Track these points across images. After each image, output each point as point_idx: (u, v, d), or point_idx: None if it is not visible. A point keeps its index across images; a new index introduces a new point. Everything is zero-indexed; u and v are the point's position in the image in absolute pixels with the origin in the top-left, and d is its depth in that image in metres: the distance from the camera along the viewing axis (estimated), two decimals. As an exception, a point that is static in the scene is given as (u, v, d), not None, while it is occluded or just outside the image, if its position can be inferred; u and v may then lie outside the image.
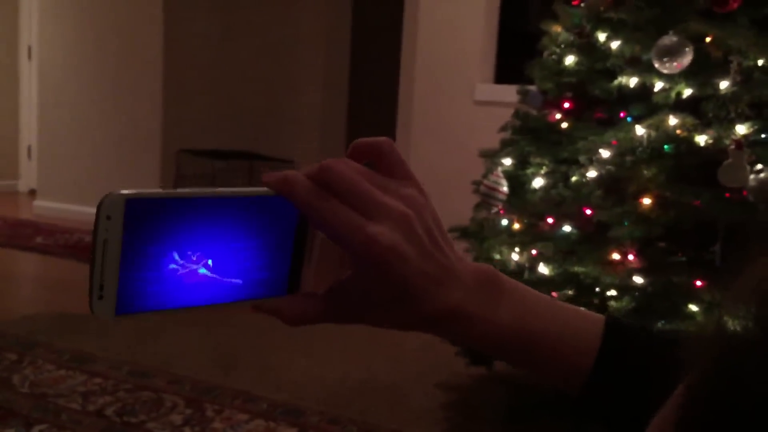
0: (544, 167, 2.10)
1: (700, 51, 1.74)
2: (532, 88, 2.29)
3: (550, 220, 2.04)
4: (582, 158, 1.98)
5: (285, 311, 0.46)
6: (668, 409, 0.29)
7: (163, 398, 2.23)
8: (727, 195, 1.62)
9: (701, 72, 1.76)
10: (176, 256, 0.42)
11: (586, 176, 1.94)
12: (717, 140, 1.64)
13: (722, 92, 1.69)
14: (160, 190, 0.41)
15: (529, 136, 2.13)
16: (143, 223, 0.40)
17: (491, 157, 2.23)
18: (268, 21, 5.00)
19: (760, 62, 1.63)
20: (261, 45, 5.01)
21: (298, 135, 5.10)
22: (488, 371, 2.43)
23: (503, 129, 2.22)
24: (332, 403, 2.28)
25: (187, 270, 0.43)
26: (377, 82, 5.02)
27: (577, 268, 1.87)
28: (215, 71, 4.91)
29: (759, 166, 1.57)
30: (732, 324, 0.25)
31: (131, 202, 0.40)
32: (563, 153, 2.04)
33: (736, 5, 1.64)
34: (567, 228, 1.99)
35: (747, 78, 1.66)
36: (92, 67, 4.99)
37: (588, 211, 1.95)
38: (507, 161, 2.19)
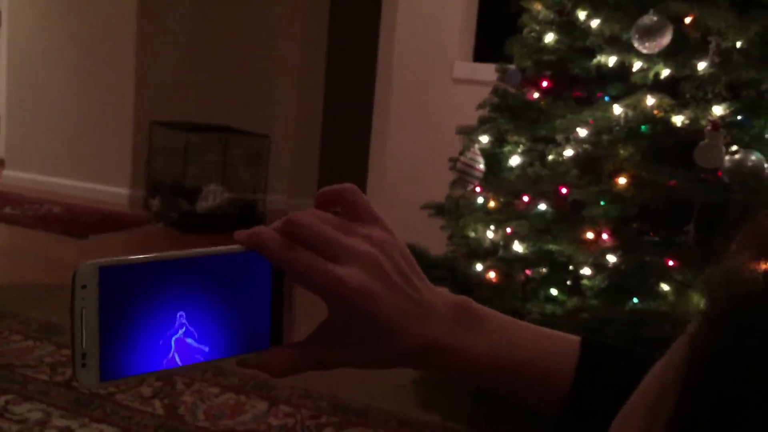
0: (521, 145, 2.10)
1: (679, 31, 1.74)
2: (511, 66, 2.27)
3: (525, 199, 2.04)
4: (559, 137, 1.98)
5: (271, 365, 0.47)
6: (670, 356, 0.29)
7: (133, 370, 2.21)
8: (703, 176, 1.63)
9: (679, 52, 1.76)
10: (155, 320, 0.43)
11: (563, 155, 1.93)
12: (694, 121, 1.65)
13: (700, 73, 1.69)
14: (132, 257, 0.42)
15: (507, 113, 2.12)
16: (119, 290, 0.41)
17: (468, 134, 2.23)
18: (245, -7, 4.93)
19: (739, 44, 1.64)
20: (238, 17, 4.93)
21: (274, 110, 5.04)
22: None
23: (481, 106, 2.21)
24: (303, 377, 2.27)
25: (168, 333, 0.43)
26: (355, 58, 4.98)
27: (551, 246, 1.88)
28: (190, 43, 4.83)
29: (734, 148, 1.57)
30: (738, 276, 0.25)
31: (105, 269, 0.41)
32: (540, 131, 2.04)
33: (716, -14, 1.64)
34: (542, 206, 1.99)
35: (725, 59, 1.66)
36: (63, 36, 4.88)
37: (564, 190, 1.95)
38: (484, 139, 2.18)
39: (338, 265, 0.44)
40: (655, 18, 1.72)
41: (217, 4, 4.89)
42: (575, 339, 0.51)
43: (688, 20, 1.74)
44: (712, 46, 1.66)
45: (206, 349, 0.45)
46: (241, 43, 4.97)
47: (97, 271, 0.41)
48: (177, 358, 0.44)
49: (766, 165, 1.54)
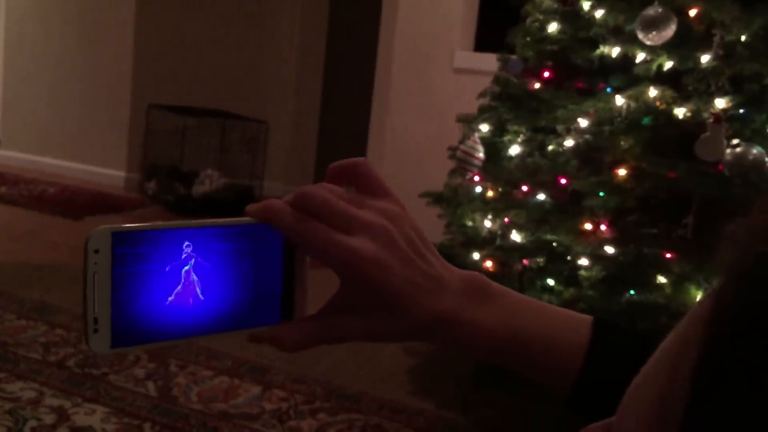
0: (521, 135, 2.09)
1: (683, 24, 1.74)
2: (513, 57, 2.27)
3: (524, 188, 2.04)
4: (559, 127, 1.98)
5: (282, 339, 0.47)
6: (691, 314, 0.29)
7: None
8: (703, 169, 1.62)
9: (683, 45, 1.75)
10: (166, 288, 0.43)
11: (563, 145, 1.93)
12: (695, 113, 1.64)
13: (703, 66, 1.69)
14: (145, 224, 0.42)
15: (508, 103, 2.11)
16: (131, 256, 0.41)
17: (469, 122, 2.22)
18: (246, -23, 4.89)
19: (743, 37, 1.63)
20: (238, 3, 4.91)
21: (272, 96, 5.02)
22: (455, 337, 2.44)
23: (482, 95, 2.20)
24: (298, 362, 2.28)
25: (179, 302, 0.43)
26: (355, 45, 4.96)
27: (549, 236, 1.87)
28: (189, 26, 4.80)
29: (736, 141, 1.57)
30: (763, 231, 0.25)
31: (117, 235, 0.41)
32: (541, 121, 2.03)
33: (722, -21, 1.64)
34: (541, 196, 1.99)
35: (729, 53, 1.66)
36: (60, 16, 4.85)
37: (563, 181, 1.95)
38: (484, 127, 2.17)
39: (350, 236, 0.44)
40: (659, 10, 1.71)
41: (217, -12, 4.86)
42: (587, 318, 0.51)
43: (692, 13, 1.73)
44: (716, 39, 1.66)
45: (218, 321, 0.45)
46: (240, 28, 4.94)
47: (109, 236, 0.41)
48: (188, 329, 0.44)
49: (767, 159, 1.54)
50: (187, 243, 0.43)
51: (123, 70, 4.65)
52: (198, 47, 4.84)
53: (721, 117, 1.59)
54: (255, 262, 0.46)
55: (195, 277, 0.44)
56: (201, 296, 0.44)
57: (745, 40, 1.62)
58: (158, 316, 0.43)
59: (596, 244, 1.78)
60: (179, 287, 0.43)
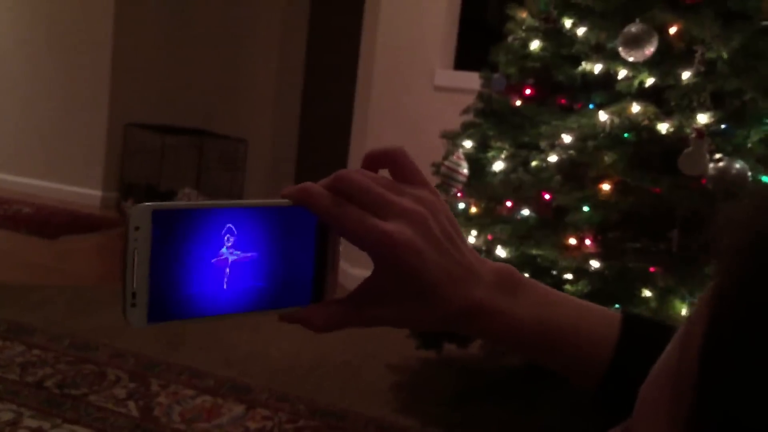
0: (505, 151, 2.10)
1: (663, 41, 1.76)
2: (496, 74, 2.28)
3: (508, 204, 2.05)
4: (543, 143, 1.99)
5: (313, 320, 0.47)
6: (698, 301, 0.29)
7: (106, 372, 2.16)
8: (687, 184, 1.64)
9: (664, 62, 1.77)
10: (203, 266, 0.44)
11: (547, 161, 1.94)
12: (678, 129, 1.66)
13: (684, 82, 1.71)
14: (184, 202, 0.45)
15: (492, 119, 2.12)
16: (170, 233, 0.43)
17: (452, 139, 2.23)
18: (224, -3, 4.90)
19: (723, 54, 1.66)
20: (216, 21, 4.91)
21: (251, 114, 5.01)
22: (438, 354, 2.43)
23: (466, 111, 2.21)
24: (281, 380, 2.25)
25: (214, 279, 0.45)
26: (335, 63, 4.97)
27: (534, 252, 1.88)
28: (167, 45, 4.79)
29: (718, 156, 1.59)
30: (763, 210, 0.27)
31: (158, 213, 0.42)
32: (524, 137, 2.05)
33: (702, -3, 1.67)
34: (525, 212, 1.99)
35: (710, 69, 1.68)
36: (37, 35, 4.80)
37: (547, 196, 1.96)
38: (468, 144, 2.18)
39: (386, 221, 0.44)
40: (641, 27, 1.73)
41: (195, 6, 4.86)
42: (616, 313, 0.51)
43: (673, 30, 1.76)
44: (698, 56, 1.68)
45: (250, 299, 0.46)
46: (219, 46, 4.93)
47: (150, 213, 0.42)
48: (222, 306, 0.45)
49: (749, 173, 1.56)
50: (224, 222, 0.44)
51: (100, 88, 4.61)
52: (176, 65, 4.82)
53: (703, 132, 1.61)
54: (289, 243, 0.47)
55: (231, 257, 0.45)
56: (235, 275, 0.45)
57: (726, 57, 1.65)
58: (194, 292, 0.44)
59: (581, 259, 1.78)
60: (215, 265, 0.44)
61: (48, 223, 4.08)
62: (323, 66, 5.17)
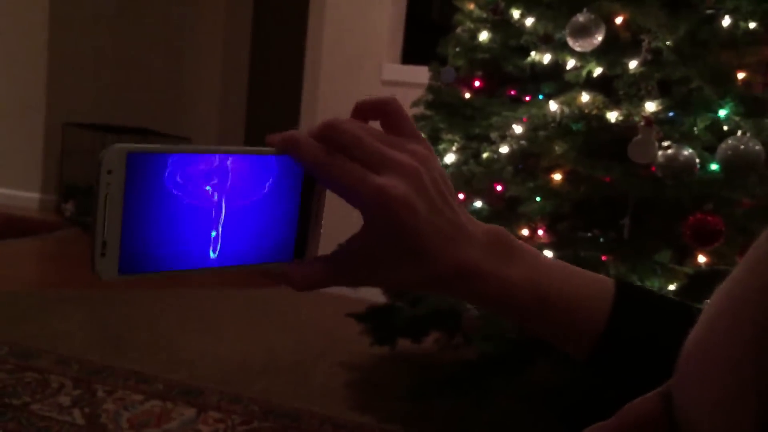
0: (456, 143, 2.09)
1: (610, 31, 1.77)
2: (445, 67, 2.27)
3: (461, 196, 2.04)
4: (494, 135, 1.99)
5: (293, 276, 0.45)
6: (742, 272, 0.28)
7: (49, 379, 2.07)
8: (637, 171, 1.66)
9: (611, 51, 1.79)
10: (180, 216, 0.41)
11: (498, 152, 1.94)
12: (627, 117, 1.68)
13: (632, 71, 1.73)
14: (162, 145, 0.40)
15: (442, 111, 2.11)
16: (146, 179, 0.39)
17: (402, 132, 2.20)
18: (165, -8, 4.78)
19: (669, 42, 1.68)
20: (158, 17, 4.78)
21: (195, 111, 4.91)
22: (391, 350, 2.41)
23: (416, 104, 2.19)
24: (233, 382, 2.20)
25: (192, 230, 0.42)
26: (281, 59, 4.91)
27: (488, 243, 1.87)
28: (106, 40, 4.64)
29: (667, 143, 1.61)
30: None
31: (133, 156, 0.39)
32: (475, 129, 2.04)
33: (647, -14, 1.68)
34: (478, 204, 1.99)
35: (656, 58, 1.70)
36: (-32, 30, 4.61)
37: (499, 187, 1.95)
38: (418, 137, 2.17)
39: (378, 175, 0.41)
40: (588, 17, 1.74)
41: (136, 2, 4.73)
42: (609, 280, 0.49)
43: (619, 20, 1.77)
44: (644, 45, 1.70)
45: (229, 253, 0.43)
46: (161, 43, 4.82)
47: (125, 156, 0.38)
48: (198, 259, 0.42)
49: (697, 160, 1.58)
50: (204, 169, 0.41)
51: (36, 86, 4.45)
52: (117, 62, 4.69)
53: (651, 120, 1.63)
54: (272, 195, 0.44)
55: (210, 206, 0.42)
56: (214, 226, 0.42)
57: (672, 45, 1.67)
58: (169, 243, 0.41)
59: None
60: (193, 215, 0.41)
61: (-17, 227, 3.92)
62: (269, 62, 5.10)
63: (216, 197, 0.42)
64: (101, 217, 0.38)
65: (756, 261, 0.28)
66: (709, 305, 0.31)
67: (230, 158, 0.42)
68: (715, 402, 0.28)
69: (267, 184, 0.44)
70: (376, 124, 0.47)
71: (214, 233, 0.42)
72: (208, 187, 0.42)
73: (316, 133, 0.43)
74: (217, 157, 0.42)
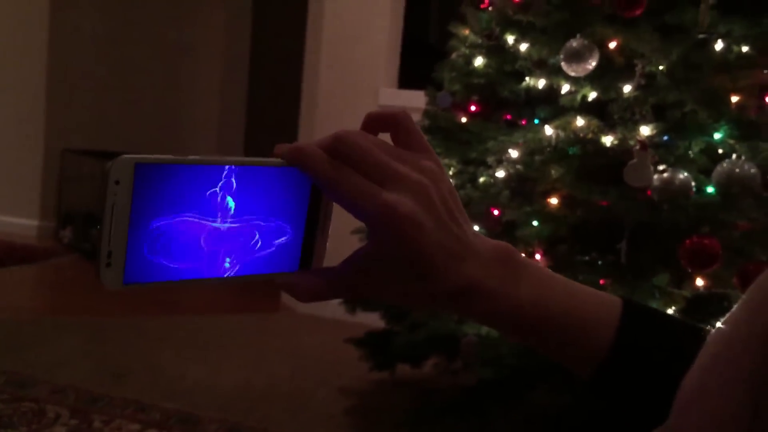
0: (452, 167, 2.10)
1: (604, 56, 1.79)
2: (441, 91, 2.28)
3: (458, 221, 2.03)
4: (490, 159, 1.99)
5: (298, 287, 0.45)
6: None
7: (45, 409, 2.06)
8: (633, 195, 1.66)
9: (605, 76, 1.80)
10: (186, 226, 0.41)
11: (495, 176, 1.94)
12: (622, 141, 1.68)
13: (626, 96, 1.74)
14: (170, 156, 0.40)
15: (439, 136, 2.12)
16: (153, 189, 0.39)
17: (399, 157, 2.21)
18: (165, 19, 4.82)
19: (662, 67, 1.69)
20: (157, 44, 4.82)
21: (193, 136, 4.92)
22: (391, 376, 2.40)
23: (412, 129, 2.20)
24: (231, 410, 2.18)
25: (198, 240, 0.42)
26: (279, 83, 4.93)
27: (485, 268, 1.87)
28: (106, 67, 4.67)
29: (662, 167, 1.61)
30: None
31: (141, 166, 0.39)
32: (472, 153, 2.04)
33: (640, 12, 1.69)
34: (475, 228, 1.98)
35: (650, 82, 1.71)
36: (-32, 59, 4.63)
37: (496, 212, 1.95)
38: (415, 161, 2.17)
39: (387, 190, 0.41)
40: (581, 42, 1.75)
41: (134, 28, 4.76)
42: (616, 299, 0.49)
43: (612, 45, 1.78)
44: (638, 69, 1.71)
45: (235, 263, 0.43)
46: (159, 69, 4.84)
47: (132, 166, 0.39)
48: (203, 269, 0.42)
49: (692, 183, 1.58)
50: (212, 180, 0.41)
51: (35, 112, 4.46)
52: (114, 88, 4.71)
53: (646, 144, 1.63)
54: (279, 205, 0.44)
55: (216, 216, 0.42)
56: (220, 237, 0.42)
57: (665, 70, 1.68)
58: (175, 253, 0.40)
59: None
60: (200, 225, 0.41)
61: (-19, 255, 3.91)
62: (267, 86, 5.13)
63: (223, 208, 0.42)
64: (107, 227, 0.39)
65: (758, 303, 0.28)
66: (707, 346, 0.31)
67: (238, 169, 0.42)
68: None
69: (274, 195, 0.44)
70: (386, 136, 0.48)
71: (220, 243, 0.42)
72: (215, 198, 0.42)
73: (325, 145, 0.43)
74: (224, 168, 0.42)
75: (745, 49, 1.65)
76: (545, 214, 1.78)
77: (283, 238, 0.45)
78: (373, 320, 2.38)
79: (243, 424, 2.08)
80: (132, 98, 4.77)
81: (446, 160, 2.12)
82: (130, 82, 4.76)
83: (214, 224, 0.42)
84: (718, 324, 0.31)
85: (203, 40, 4.87)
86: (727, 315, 0.30)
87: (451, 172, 2.10)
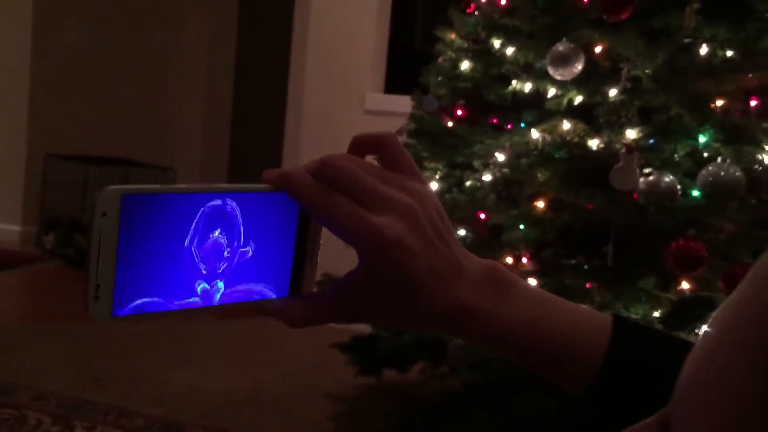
0: (439, 171, 2.09)
1: (590, 59, 1.79)
2: (428, 95, 2.28)
3: (444, 225, 2.03)
4: (476, 163, 1.99)
5: (288, 313, 0.44)
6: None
7: (27, 416, 2.03)
8: (619, 198, 1.66)
9: (591, 79, 1.80)
10: (174, 256, 0.40)
11: (481, 180, 1.94)
12: (608, 145, 1.68)
13: (611, 99, 1.74)
14: (157, 185, 0.40)
15: (425, 140, 2.12)
16: (140, 220, 0.39)
17: (385, 161, 2.20)
18: (149, 25, 4.79)
19: (648, 70, 1.69)
20: (141, 50, 4.79)
21: (178, 142, 4.89)
22: (377, 381, 2.38)
23: (399, 133, 2.20)
24: (216, 416, 2.16)
25: (186, 270, 0.41)
26: (264, 88, 4.92)
27: (472, 271, 1.86)
28: (89, 71, 4.64)
29: (648, 170, 1.61)
30: None
31: (128, 197, 0.39)
32: (458, 157, 2.04)
33: (625, 16, 1.70)
34: (462, 232, 1.98)
35: (636, 86, 1.71)
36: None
37: (482, 215, 1.95)
38: (401, 165, 2.16)
39: (375, 214, 0.41)
40: (567, 46, 1.76)
41: (117, 32, 4.73)
42: (607, 317, 0.49)
43: (598, 49, 1.79)
44: (624, 73, 1.71)
45: (225, 291, 0.43)
46: (144, 73, 4.81)
47: (119, 197, 0.38)
48: (194, 300, 0.42)
49: (678, 186, 1.59)
50: (200, 208, 0.41)
51: (17, 117, 4.42)
52: (98, 93, 4.67)
53: (632, 147, 1.64)
54: (268, 232, 0.44)
55: (204, 246, 0.41)
56: (209, 265, 0.42)
57: (651, 74, 1.68)
58: (163, 284, 0.40)
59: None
60: (188, 256, 0.41)
61: (-38, 260, 3.87)
62: (253, 91, 5.11)
63: (211, 236, 0.42)
64: (94, 260, 0.38)
65: (763, 279, 0.27)
66: (706, 331, 0.31)
67: (226, 197, 0.42)
68: (717, 428, 0.28)
69: (263, 221, 0.44)
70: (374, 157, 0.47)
71: (209, 273, 0.42)
72: (203, 227, 0.41)
73: (312, 170, 0.42)
74: (212, 195, 0.41)
75: (729, 53, 1.66)
76: (532, 217, 1.78)
77: (272, 264, 0.45)
78: (359, 325, 2.37)
79: (228, 430, 2.06)
80: (116, 102, 4.73)
81: (433, 164, 2.12)
82: (114, 87, 4.73)
83: (203, 253, 0.42)
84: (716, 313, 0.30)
85: (189, 44, 4.85)
86: (728, 298, 0.30)
87: (437, 176, 2.10)
